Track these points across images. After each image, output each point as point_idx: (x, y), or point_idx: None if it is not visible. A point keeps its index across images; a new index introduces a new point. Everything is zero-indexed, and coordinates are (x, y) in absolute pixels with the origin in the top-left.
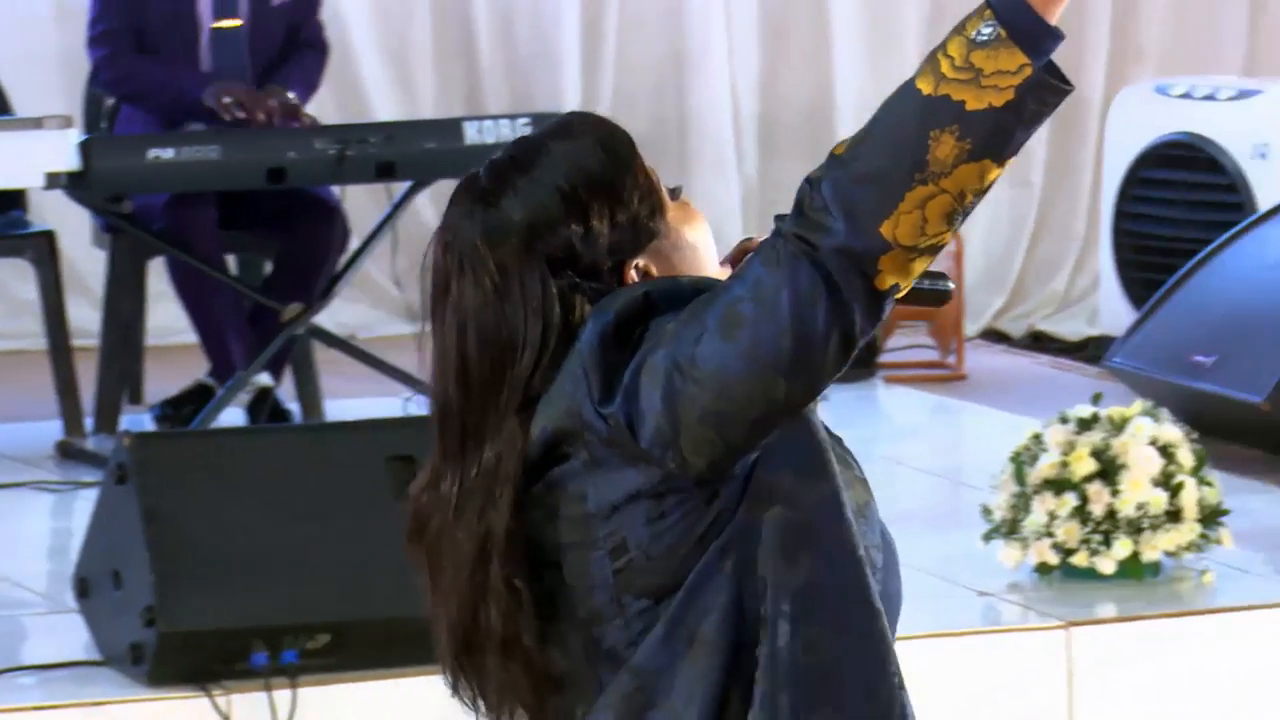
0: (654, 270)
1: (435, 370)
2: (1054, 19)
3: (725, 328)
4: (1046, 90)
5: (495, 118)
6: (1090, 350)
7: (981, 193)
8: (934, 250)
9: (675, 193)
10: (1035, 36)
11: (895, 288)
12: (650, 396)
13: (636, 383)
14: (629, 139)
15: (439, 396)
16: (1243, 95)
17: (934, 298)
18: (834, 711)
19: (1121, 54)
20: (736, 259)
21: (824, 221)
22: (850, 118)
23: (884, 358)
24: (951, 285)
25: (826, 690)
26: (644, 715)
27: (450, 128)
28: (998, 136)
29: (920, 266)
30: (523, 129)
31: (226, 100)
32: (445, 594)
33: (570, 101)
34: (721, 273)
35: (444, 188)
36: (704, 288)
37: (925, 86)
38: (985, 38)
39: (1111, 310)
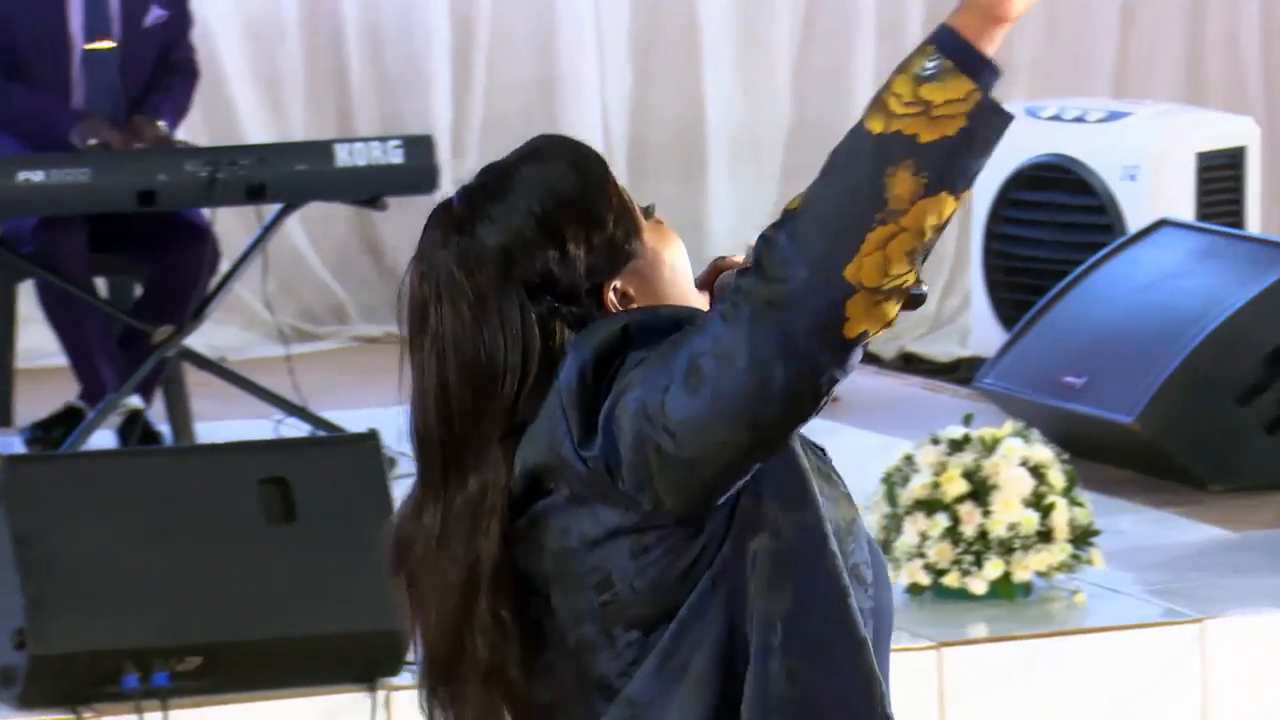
0: (632, 291)
1: (415, 400)
2: (991, 52)
3: (689, 381)
4: (994, 114)
5: (366, 140)
6: (961, 371)
7: (940, 228)
8: (899, 292)
9: (648, 212)
10: (977, 67)
11: (865, 334)
12: (625, 441)
13: (611, 426)
14: (600, 160)
15: (420, 427)
16: (1112, 117)
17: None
18: None
19: None
20: (710, 278)
21: (784, 274)
22: (721, 139)
23: None
24: (925, 289)
25: None
26: None
27: (321, 150)
28: (953, 167)
29: (889, 310)
30: (394, 151)
31: (92, 142)
32: (426, 623)
33: (441, 124)
34: (698, 298)
35: (314, 210)
36: (682, 318)
37: (876, 126)
38: (931, 71)
39: (982, 331)
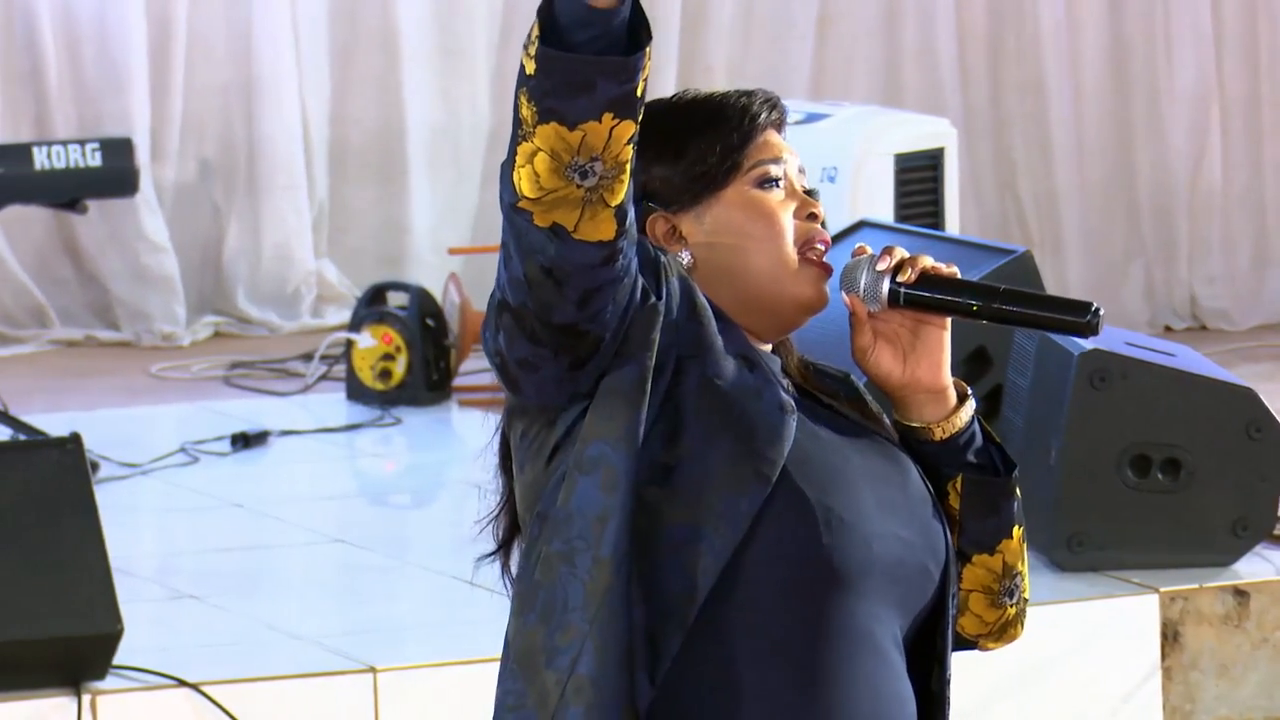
0: (684, 232)
1: None
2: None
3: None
4: (551, 60)
5: (65, 142)
6: None
7: (575, 152)
8: (565, 201)
9: (811, 195)
10: (544, 13)
11: (557, 225)
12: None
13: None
14: (724, 108)
15: None
16: (811, 119)
17: (1064, 326)
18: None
19: (690, 70)
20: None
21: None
22: (420, 141)
23: (458, 381)
24: (1091, 318)
25: (537, 603)
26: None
27: (19, 152)
28: (544, 101)
29: (564, 213)
30: (93, 154)
31: None
32: None
33: (140, 126)
34: (769, 266)
35: (12, 213)
36: None
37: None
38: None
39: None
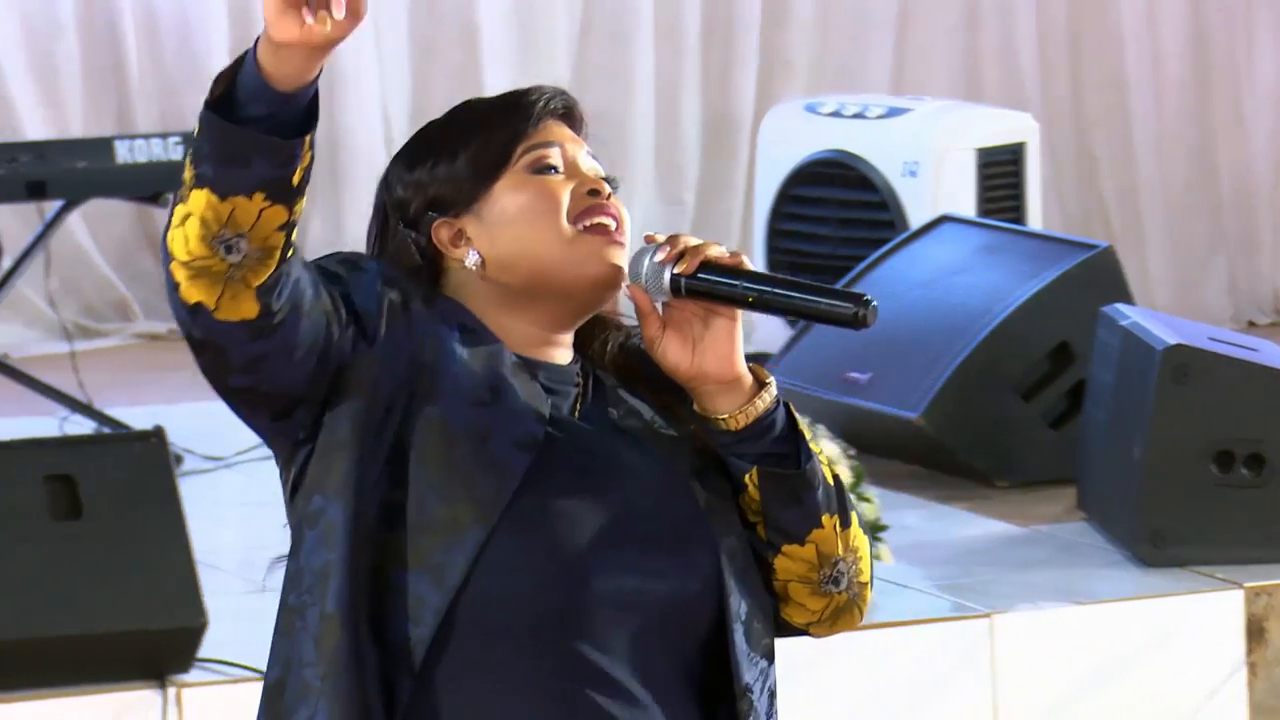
0: (469, 232)
1: None
2: (269, 69)
3: None
4: (212, 126)
5: (146, 136)
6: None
7: (224, 224)
8: (208, 272)
9: (612, 183)
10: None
11: (200, 305)
12: None
13: None
14: (479, 108)
15: None
16: (892, 113)
17: (833, 318)
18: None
19: (770, 69)
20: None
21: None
22: None
23: None
24: (859, 310)
25: (280, 656)
26: None
27: (101, 146)
28: (200, 165)
29: (205, 287)
30: (174, 147)
31: None
32: None
33: None
34: (549, 242)
35: (95, 206)
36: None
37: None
38: None
39: (766, 328)
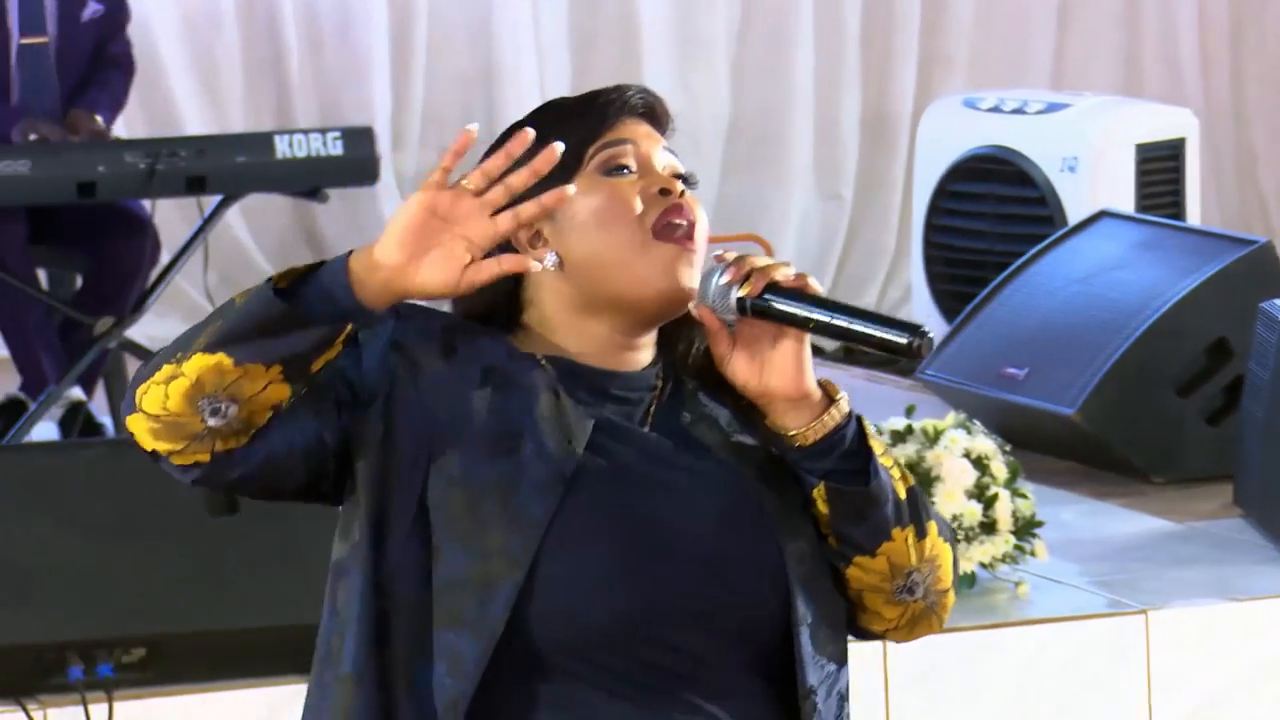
0: (545, 232)
1: None
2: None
3: None
4: (270, 302)
5: (306, 131)
6: (903, 363)
7: (226, 389)
8: (178, 429)
9: (683, 180)
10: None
11: (156, 453)
12: None
13: None
14: (557, 109)
15: None
16: (1051, 109)
17: (889, 347)
18: None
19: (930, 65)
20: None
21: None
22: None
23: None
24: (915, 341)
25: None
26: None
27: (261, 141)
28: (226, 331)
29: (168, 440)
30: (334, 142)
31: (32, 138)
32: None
33: (380, 114)
34: (621, 245)
35: (254, 201)
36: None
37: (238, 297)
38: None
39: (924, 322)
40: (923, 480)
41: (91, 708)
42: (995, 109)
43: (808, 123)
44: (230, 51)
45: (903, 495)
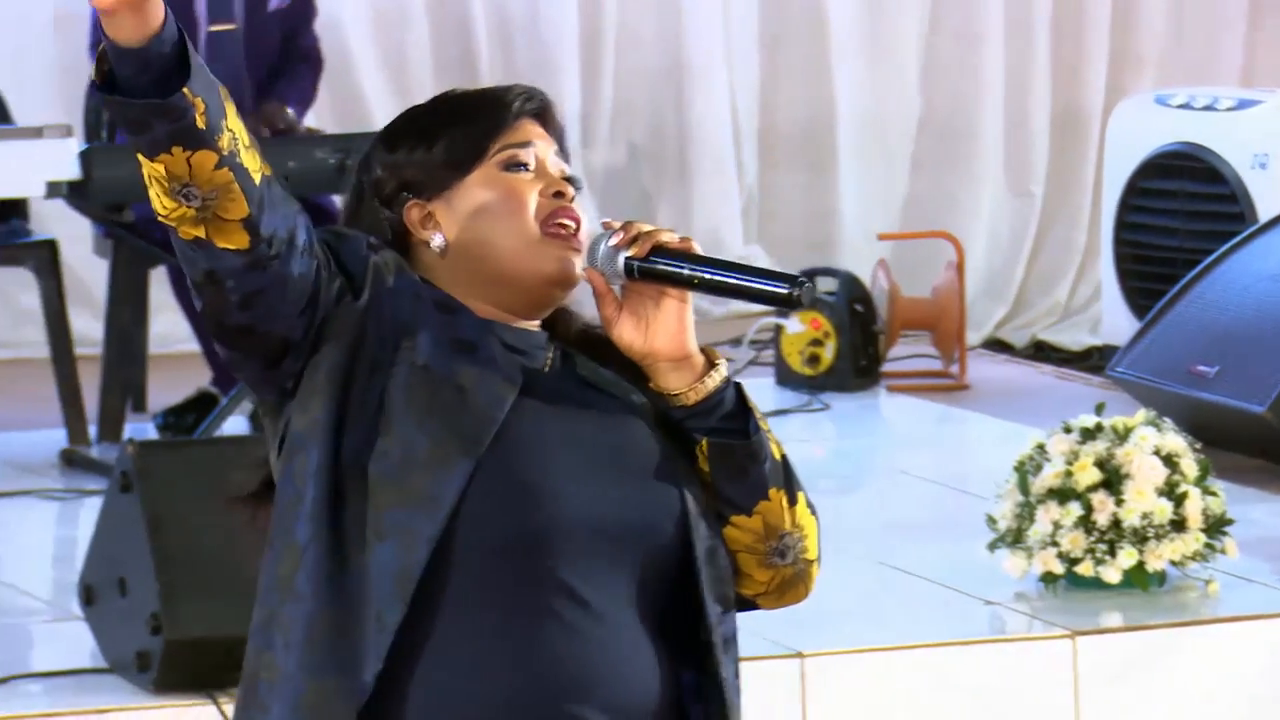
0: (438, 216)
1: None
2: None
3: None
4: (106, 102)
5: None
6: (1093, 360)
7: (168, 179)
8: (185, 219)
9: (574, 180)
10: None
11: (197, 238)
12: None
13: None
14: (458, 101)
15: None
16: (1242, 105)
17: (770, 298)
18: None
19: (1120, 63)
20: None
21: None
22: (849, 127)
23: (886, 367)
24: (794, 291)
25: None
26: None
27: None
28: (126, 135)
29: (191, 227)
30: None
31: None
32: None
33: (570, 110)
34: (512, 234)
35: None
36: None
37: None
38: None
39: (1113, 320)
40: (1112, 477)
41: None
42: (1185, 106)
43: (998, 120)
44: (420, 48)
45: (779, 458)
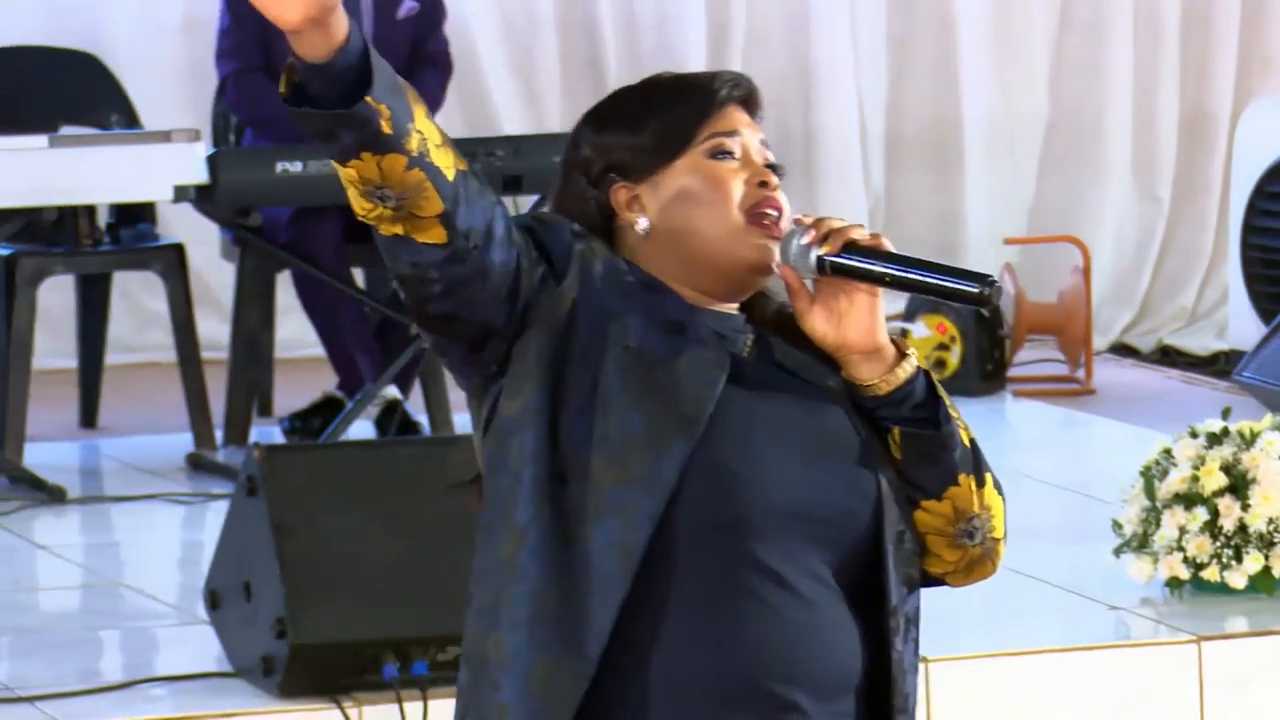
0: (644, 200)
1: None
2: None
3: None
4: (294, 115)
5: None
6: (1219, 364)
7: (362, 182)
8: (384, 219)
9: (777, 168)
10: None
11: (397, 234)
12: None
13: None
14: (667, 86)
15: None
16: None
17: (961, 296)
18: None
19: (1249, 65)
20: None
21: None
22: (976, 130)
23: (1013, 371)
24: (985, 289)
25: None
26: None
27: None
28: (320, 144)
29: (390, 226)
30: None
31: None
32: None
33: None
34: (717, 222)
35: None
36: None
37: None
38: None
39: (1240, 324)
40: (1239, 482)
41: (406, 706)
42: None
43: (1125, 122)
44: (548, 52)
45: (968, 444)
